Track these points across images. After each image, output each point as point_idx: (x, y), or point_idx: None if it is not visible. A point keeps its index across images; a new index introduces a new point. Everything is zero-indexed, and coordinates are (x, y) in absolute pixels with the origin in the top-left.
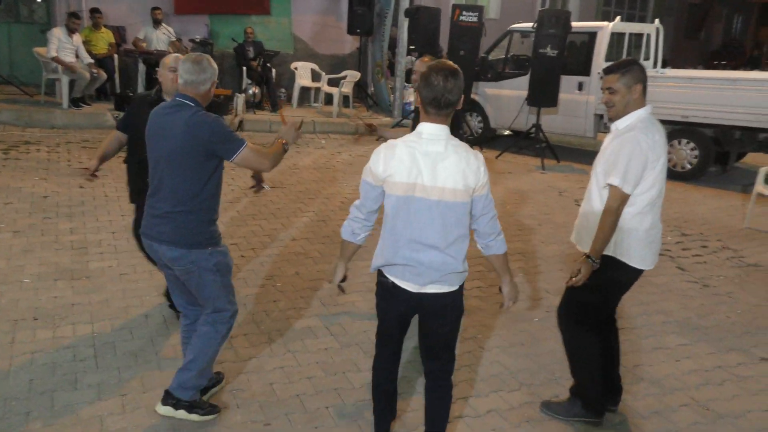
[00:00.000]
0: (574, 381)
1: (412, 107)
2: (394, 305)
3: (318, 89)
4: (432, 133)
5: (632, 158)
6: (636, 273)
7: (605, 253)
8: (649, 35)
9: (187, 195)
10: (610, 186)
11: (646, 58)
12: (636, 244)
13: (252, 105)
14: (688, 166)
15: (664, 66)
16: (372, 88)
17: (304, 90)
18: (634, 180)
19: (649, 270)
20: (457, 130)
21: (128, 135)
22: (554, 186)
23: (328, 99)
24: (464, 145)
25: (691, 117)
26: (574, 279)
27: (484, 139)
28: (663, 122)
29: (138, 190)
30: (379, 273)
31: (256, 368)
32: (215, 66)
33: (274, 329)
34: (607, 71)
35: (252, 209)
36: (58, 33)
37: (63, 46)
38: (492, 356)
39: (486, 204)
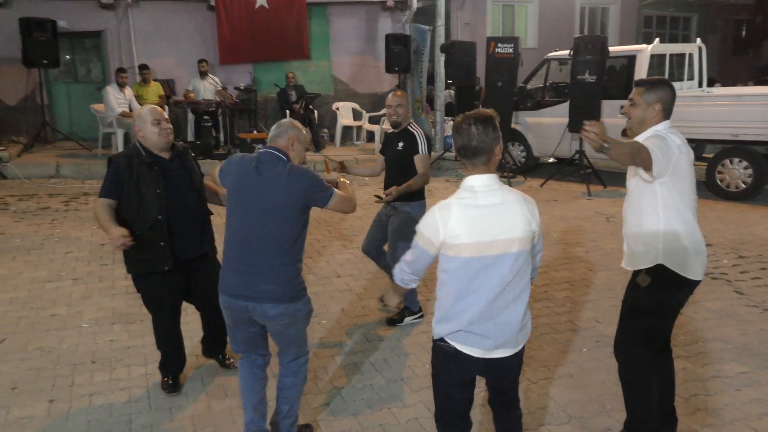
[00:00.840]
0: (627, 414)
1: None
2: (458, 373)
3: (360, 127)
4: (484, 184)
5: (654, 145)
6: (690, 286)
7: (654, 263)
8: (691, 55)
9: (286, 247)
10: (640, 143)
11: (690, 78)
12: (683, 255)
13: None
14: (743, 186)
15: (710, 84)
16: None
17: (346, 129)
18: (661, 158)
19: (704, 295)
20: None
21: (118, 200)
22: (601, 212)
23: (370, 136)
24: (514, 190)
25: (742, 135)
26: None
27: (527, 168)
28: (712, 142)
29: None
30: (440, 339)
31: (303, 406)
32: (298, 125)
33: (320, 366)
34: (636, 84)
35: None
36: (111, 90)
37: (118, 102)
38: (539, 388)
39: (540, 242)
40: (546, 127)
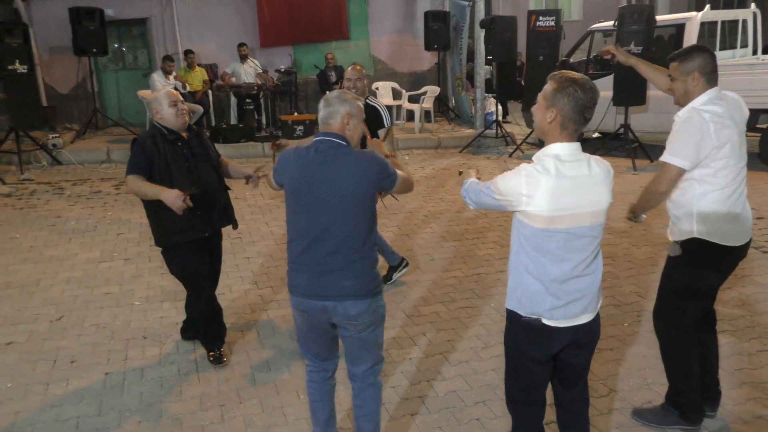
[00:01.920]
0: (669, 387)
1: (494, 117)
2: (546, 347)
3: (399, 107)
4: (571, 153)
5: (683, 136)
6: (724, 253)
7: (690, 236)
8: (745, 21)
9: (361, 240)
10: (662, 162)
11: (744, 46)
12: (720, 225)
13: None
14: None
15: (765, 52)
16: (453, 102)
17: (386, 108)
18: (685, 155)
19: (754, 269)
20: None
21: (148, 177)
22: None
23: (410, 116)
24: (598, 159)
25: None
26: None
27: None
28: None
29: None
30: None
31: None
32: (350, 98)
33: None
34: (670, 59)
35: None
36: (156, 77)
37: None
38: None
39: None
40: None
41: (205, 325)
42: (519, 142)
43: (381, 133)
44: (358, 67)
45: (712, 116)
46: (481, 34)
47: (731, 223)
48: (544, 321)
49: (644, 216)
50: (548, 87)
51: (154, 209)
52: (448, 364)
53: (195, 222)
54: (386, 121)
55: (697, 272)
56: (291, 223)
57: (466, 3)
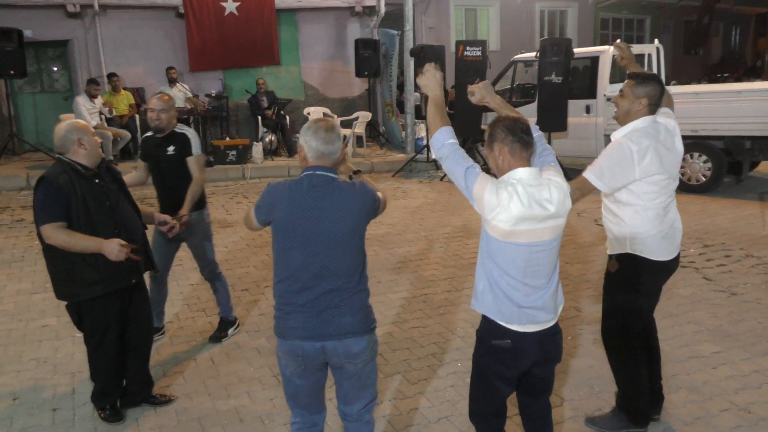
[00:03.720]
0: (619, 394)
1: (424, 143)
2: (514, 368)
3: None
4: (533, 177)
5: (610, 162)
6: (658, 267)
7: (623, 251)
8: (650, 55)
9: (357, 273)
10: (582, 176)
11: None
12: (650, 241)
13: (269, 152)
14: (703, 179)
15: (667, 83)
16: (383, 127)
17: (197, 136)
18: (604, 180)
19: (675, 282)
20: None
21: (68, 222)
22: (573, 208)
23: (342, 140)
24: (554, 178)
25: (701, 131)
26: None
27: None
28: None
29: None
30: (493, 336)
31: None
32: (339, 130)
33: None
34: (629, 76)
35: None
36: (81, 101)
37: (90, 112)
38: None
39: None
40: None
41: (105, 383)
42: None
43: (190, 161)
44: (166, 98)
45: (639, 149)
46: (410, 62)
47: (662, 240)
48: (512, 327)
49: None
50: (485, 134)
51: (66, 255)
52: (407, 383)
53: (121, 268)
54: (194, 149)
55: (635, 289)
56: (281, 262)
57: (395, 32)
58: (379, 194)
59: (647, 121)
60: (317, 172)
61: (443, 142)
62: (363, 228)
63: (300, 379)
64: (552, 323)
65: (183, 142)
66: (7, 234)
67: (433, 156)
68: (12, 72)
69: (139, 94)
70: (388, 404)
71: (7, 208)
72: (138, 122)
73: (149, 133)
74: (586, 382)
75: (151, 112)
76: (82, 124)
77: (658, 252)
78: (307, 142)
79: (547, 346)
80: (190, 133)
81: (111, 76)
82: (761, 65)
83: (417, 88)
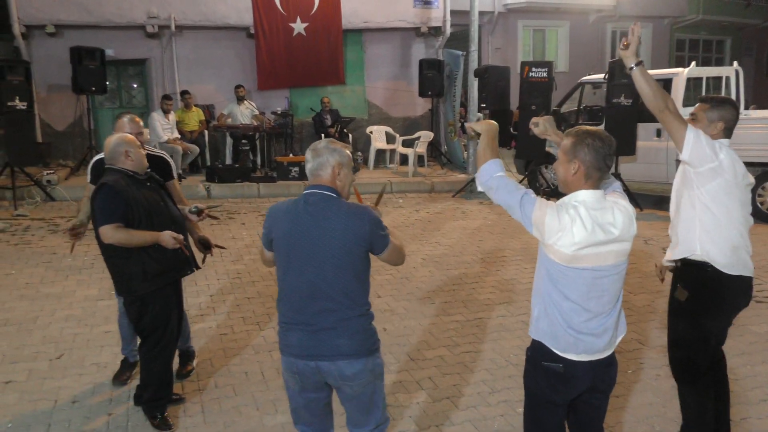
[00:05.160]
0: (683, 427)
1: None
2: (564, 393)
3: (393, 151)
4: (596, 200)
5: (704, 138)
6: (728, 281)
7: (691, 253)
8: (728, 78)
9: (355, 296)
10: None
11: None
12: (721, 244)
13: None
14: None
15: (746, 107)
16: (445, 147)
17: (380, 152)
18: (700, 146)
19: (750, 319)
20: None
21: (126, 223)
22: (639, 234)
23: (404, 159)
24: (618, 200)
25: None
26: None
27: (560, 191)
28: (752, 165)
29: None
30: (545, 358)
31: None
32: (339, 148)
33: None
34: (701, 99)
35: None
36: (156, 117)
37: (163, 127)
38: None
39: None
40: None
41: (168, 384)
42: None
43: (169, 185)
44: (137, 120)
45: (725, 156)
46: (474, 83)
47: (733, 255)
48: (565, 355)
49: None
50: (567, 142)
51: (126, 253)
52: (456, 409)
53: (177, 259)
54: (174, 173)
55: (700, 317)
56: (281, 280)
57: (460, 53)
58: (392, 237)
59: (725, 142)
60: (314, 191)
61: (492, 174)
62: (360, 250)
63: (300, 396)
64: (608, 353)
65: (160, 166)
66: (80, 241)
67: (479, 188)
68: (94, 88)
69: (209, 110)
70: (435, 430)
71: None
72: (207, 138)
73: (102, 155)
74: (645, 420)
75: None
76: (129, 138)
77: (727, 261)
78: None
79: (600, 376)
80: (166, 155)
81: (184, 93)
82: None
83: (480, 109)
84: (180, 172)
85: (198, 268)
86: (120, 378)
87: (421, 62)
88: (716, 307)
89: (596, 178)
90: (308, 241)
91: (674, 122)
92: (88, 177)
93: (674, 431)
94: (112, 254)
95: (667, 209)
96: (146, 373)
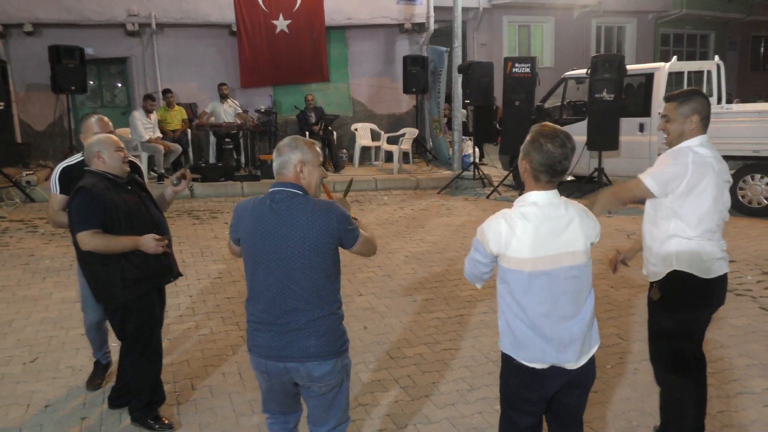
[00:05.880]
0: (660, 427)
1: (471, 159)
2: (538, 391)
3: (378, 148)
4: (548, 200)
5: (667, 164)
6: (702, 287)
7: (670, 269)
8: (710, 72)
9: (324, 296)
10: (637, 179)
11: (709, 95)
12: (696, 257)
13: None
14: (765, 202)
15: (729, 101)
16: (431, 143)
17: (365, 149)
18: (662, 181)
19: (729, 311)
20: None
21: (103, 228)
22: (622, 229)
23: (389, 156)
24: (575, 203)
25: (763, 151)
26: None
27: None
28: (733, 158)
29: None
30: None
31: None
32: (302, 145)
33: None
34: (666, 99)
35: None
36: (138, 116)
37: (144, 126)
38: None
39: None
40: None
41: (155, 387)
42: (496, 183)
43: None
44: (105, 120)
45: (695, 158)
46: (458, 79)
47: (707, 259)
48: (536, 366)
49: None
50: (527, 138)
51: (105, 259)
52: (433, 407)
53: (158, 266)
54: (145, 176)
55: (682, 311)
56: (249, 280)
57: (444, 49)
58: (363, 231)
59: (703, 138)
60: (279, 188)
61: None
62: (328, 247)
63: (270, 392)
64: (579, 364)
65: (138, 174)
66: (59, 242)
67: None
68: (73, 87)
69: (191, 109)
70: (412, 428)
71: None
72: (190, 137)
73: (71, 162)
74: (622, 415)
75: (124, 150)
76: (108, 139)
77: (706, 269)
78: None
79: (575, 373)
80: (137, 160)
81: (166, 92)
82: None
83: (465, 105)
84: (162, 171)
85: (180, 275)
86: (93, 382)
87: (405, 59)
88: (696, 306)
89: (544, 181)
90: (274, 240)
91: (632, 190)
92: (56, 188)
93: (651, 425)
94: (89, 260)
95: None
96: (137, 381)
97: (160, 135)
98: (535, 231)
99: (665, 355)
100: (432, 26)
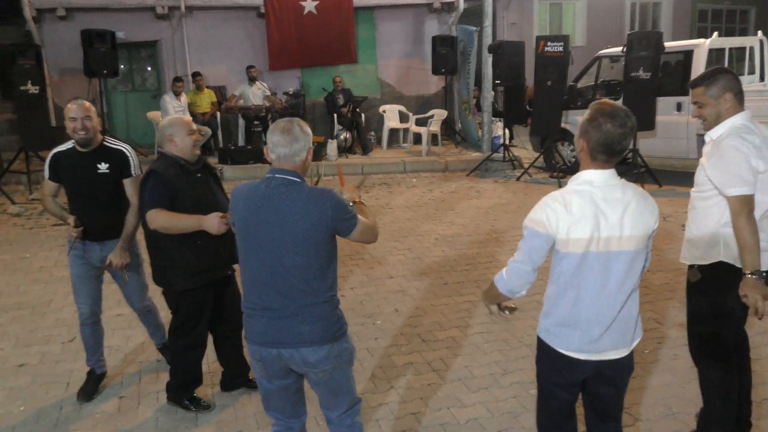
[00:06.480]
0: (702, 416)
1: (500, 141)
2: (567, 376)
3: (406, 130)
4: (604, 180)
5: (736, 163)
6: (733, 273)
7: (716, 260)
8: (752, 48)
9: (317, 283)
10: (731, 198)
11: (751, 72)
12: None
13: (344, 149)
14: None
15: None
16: (460, 125)
17: (393, 131)
18: (749, 178)
19: None
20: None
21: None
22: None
23: (417, 138)
24: (634, 186)
25: None
26: (759, 308)
27: (578, 168)
28: None
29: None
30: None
31: (363, 404)
32: (308, 130)
33: (377, 366)
34: (692, 85)
35: (348, 250)
36: (168, 99)
37: (175, 109)
38: None
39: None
40: None
41: (196, 373)
42: (526, 165)
43: (127, 183)
44: (87, 104)
45: (750, 147)
46: (488, 59)
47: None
48: (572, 354)
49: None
50: (585, 116)
51: (166, 246)
52: (467, 391)
53: (220, 260)
54: (133, 169)
55: (721, 295)
56: (242, 266)
57: (474, 29)
58: (362, 218)
59: (745, 116)
60: (276, 175)
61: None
62: (322, 237)
63: (267, 382)
64: (618, 355)
65: (120, 160)
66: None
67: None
68: (105, 72)
69: (220, 92)
70: (446, 412)
71: None
72: (219, 120)
73: (62, 148)
74: (662, 401)
75: (72, 121)
76: (181, 120)
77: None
78: (269, 142)
79: (605, 366)
80: (127, 149)
81: (195, 75)
82: None
83: (495, 86)
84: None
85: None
86: (85, 393)
87: (434, 39)
88: (735, 286)
89: (602, 161)
90: (267, 228)
91: (739, 213)
92: (47, 173)
93: (692, 412)
94: (153, 245)
95: (687, 185)
96: (175, 362)
97: (190, 118)
98: (590, 210)
99: (705, 338)
100: (462, 5)
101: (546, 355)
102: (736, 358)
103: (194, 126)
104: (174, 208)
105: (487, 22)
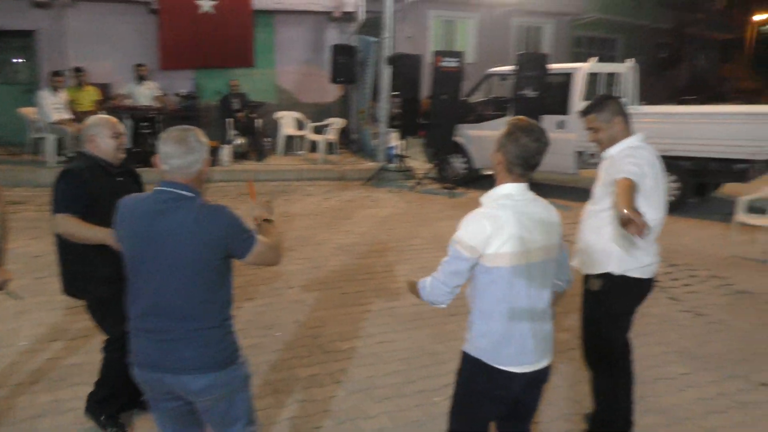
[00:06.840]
0: (593, 417)
1: (395, 151)
2: (505, 389)
3: (302, 137)
4: (521, 192)
5: (627, 161)
6: (641, 284)
7: (608, 270)
8: (624, 74)
9: (207, 306)
10: (617, 181)
11: (623, 96)
12: (640, 259)
13: (238, 155)
14: (672, 198)
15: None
16: (356, 135)
17: (289, 138)
18: (637, 171)
19: (647, 301)
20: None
21: (82, 216)
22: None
23: (314, 146)
24: (540, 198)
25: (670, 151)
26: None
27: (468, 180)
28: None
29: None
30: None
31: (264, 419)
32: (205, 140)
33: (278, 379)
34: (584, 113)
35: None
36: (45, 95)
37: (53, 106)
38: None
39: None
40: (487, 140)
41: (122, 385)
42: (419, 176)
43: None
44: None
45: (643, 159)
46: (386, 71)
47: (648, 262)
48: (509, 369)
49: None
50: (502, 130)
51: (82, 252)
52: (371, 402)
53: None
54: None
55: (613, 303)
56: (129, 283)
57: (374, 39)
58: (265, 238)
59: (638, 138)
60: (166, 189)
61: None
62: (214, 257)
63: (155, 405)
64: (545, 365)
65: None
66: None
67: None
68: None
69: (105, 90)
70: (351, 424)
71: None
72: None
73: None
74: (554, 404)
75: (122, 136)
76: (106, 121)
77: (635, 270)
78: (161, 153)
79: (540, 372)
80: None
81: (77, 70)
82: (727, 90)
83: (393, 97)
84: (73, 155)
85: None
86: None
87: (334, 47)
88: (631, 302)
89: (518, 174)
90: (154, 246)
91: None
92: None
93: (581, 412)
94: (68, 250)
95: (568, 198)
96: (105, 372)
97: (72, 116)
98: (515, 224)
99: (596, 344)
100: (361, 15)
101: (481, 372)
102: (623, 367)
103: (121, 129)
104: (91, 211)
105: (387, 34)
